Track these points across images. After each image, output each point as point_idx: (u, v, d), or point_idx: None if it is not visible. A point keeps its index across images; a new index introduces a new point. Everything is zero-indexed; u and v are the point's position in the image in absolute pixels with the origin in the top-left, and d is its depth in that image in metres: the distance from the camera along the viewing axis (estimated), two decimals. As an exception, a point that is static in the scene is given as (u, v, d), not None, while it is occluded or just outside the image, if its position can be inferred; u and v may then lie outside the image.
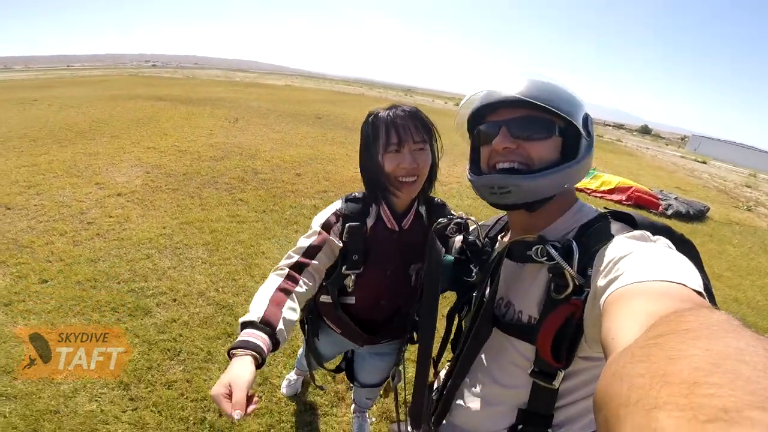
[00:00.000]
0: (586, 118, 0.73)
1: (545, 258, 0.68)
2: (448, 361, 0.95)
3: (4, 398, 1.86)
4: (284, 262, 1.05)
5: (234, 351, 0.80)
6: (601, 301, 0.53)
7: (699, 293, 0.46)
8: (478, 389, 0.84)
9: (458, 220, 0.97)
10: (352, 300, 1.21)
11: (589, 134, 0.74)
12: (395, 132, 1.03)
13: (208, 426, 1.81)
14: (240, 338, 0.83)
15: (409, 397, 1.05)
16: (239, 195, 4.51)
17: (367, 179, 1.14)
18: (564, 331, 0.66)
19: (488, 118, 0.77)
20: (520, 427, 0.76)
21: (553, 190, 0.72)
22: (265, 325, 0.86)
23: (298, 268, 1.03)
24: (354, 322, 1.24)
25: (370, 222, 1.15)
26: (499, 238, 0.91)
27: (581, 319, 0.64)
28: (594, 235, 0.67)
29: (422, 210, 1.20)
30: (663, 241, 0.62)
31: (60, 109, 9.78)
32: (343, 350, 1.54)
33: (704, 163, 22.70)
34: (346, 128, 9.36)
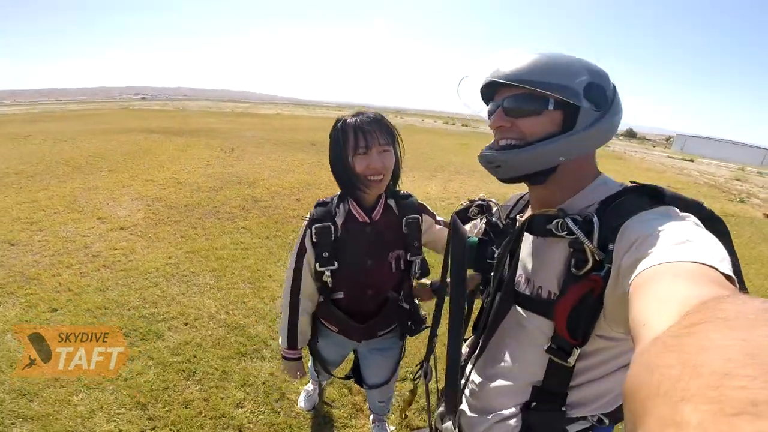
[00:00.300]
0: (590, 87, 0.70)
1: (565, 232, 0.67)
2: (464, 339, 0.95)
3: (21, 419, 1.90)
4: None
5: None
6: (628, 282, 0.51)
7: (729, 278, 0.44)
8: (493, 367, 0.86)
9: (480, 201, 0.98)
10: (340, 295, 1.32)
11: (596, 104, 0.70)
12: (363, 136, 1.13)
13: None
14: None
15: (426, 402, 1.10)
16: (241, 223, 4.61)
17: (338, 180, 1.24)
18: (581, 307, 0.65)
19: (494, 98, 0.79)
20: (533, 404, 0.76)
21: (545, 162, 0.73)
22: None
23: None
24: (347, 316, 1.33)
25: (339, 220, 1.25)
26: (518, 217, 0.90)
27: (601, 296, 0.63)
28: (617, 209, 0.65)
29: (391, 203, 1.30)
30: (692, 219, 0.59)
31: (54, 143, 9.87)
32: (344, 352, 1.60)
33: (692, 161, 23.19)
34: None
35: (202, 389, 2.14)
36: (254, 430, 1.92)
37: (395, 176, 1.26)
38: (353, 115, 1.18)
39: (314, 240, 1.24)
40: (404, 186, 1.36)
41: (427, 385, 1.13)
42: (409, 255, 1.30)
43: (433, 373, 1.12)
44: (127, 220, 4.50)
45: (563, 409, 0.73)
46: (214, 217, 4.73)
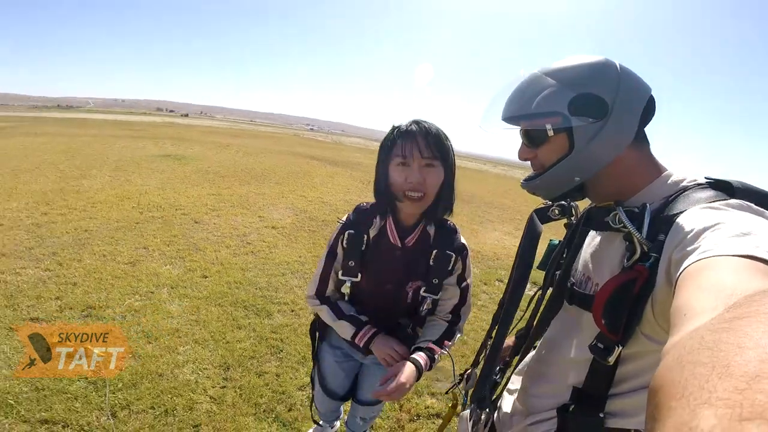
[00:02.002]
0: (576, 101, 0.67)
1: (621, 225, 0.65)
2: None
3: (131, 356, 2.31)
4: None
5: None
6: (677, 274, 0.48)
7: None
8: (540, 366, 0.84)
9: (563, 202, 0.89)
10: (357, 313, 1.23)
11: (592, 114, 0.67)
12: (404, 144, 1.03)
13: (274, 416, 2.03)
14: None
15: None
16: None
17: (376, 188, 1.13)
18: (620, 298, 0.60)
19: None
20: (571, 407, 0.73)
21: (564, 184, 0.74)
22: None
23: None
24: None
25: (372, 233, 1.15)
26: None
27: (644, 289, 0.59)
28: (677, 202, 0.63)
29: (430, 230, 1.16)
30: (754, 210, 0.55)
31: (244, 155, 12.41)
32: (348, 368, 1.42)
33: None
34: (461, 200, 9.60)
35: (280, 366, 2.42)
36: (303, 412, 2.08)
37: (446, 201, 1.12)
38: (407, 123, 1.08)
39: (344, 246, 1.16)
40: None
41: (466, 391, 1.07)
42: (424, 289, 1.16)
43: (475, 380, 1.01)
44: (278, 222, 5.41)
45: (601, 415, 0.69)
46: (343, 235, 5.36)
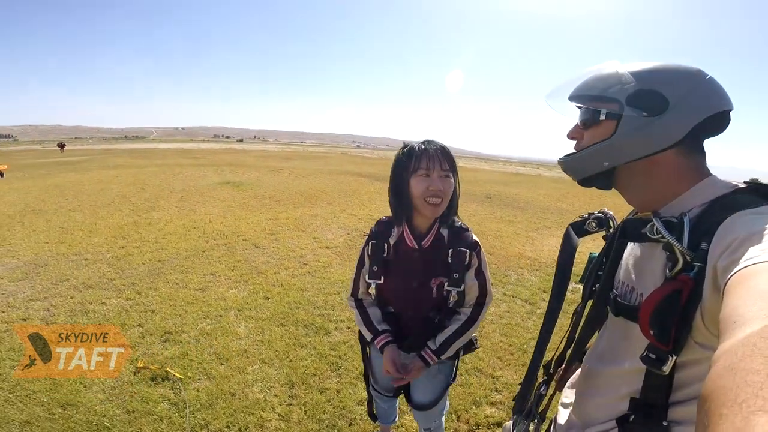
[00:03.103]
0: (637, 95, 0.69)
1: (660, 235, 0.65)
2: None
3: (206, 377, 2.48)
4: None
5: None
6: (725, 281, 0.48)
7: None
8: (593, 378, 0.83)
9: (599, 215, 0.92)
10: (392, 309, 1.42)
11: (647, 109, 0.69)
12: (427, 159, 1.20)
13: (336, 430, 2.10)
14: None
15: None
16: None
17: (394, 200, 1.30)
18: (666, 308, 0.60)
19: None
20: (632, 417, 0.71)
21: (592, 167, 0.77)
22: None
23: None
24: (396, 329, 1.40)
25: (392, 240, 1.34)
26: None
27: (691, 298, 0.58)
28: (718, 209, 0.62)
29: (444, 232, 1.32)
30: None
31: (296, 178, 13.00)
32: None
33: None
34: (516, 207, 9.37)
35: (340, 382, 2.50)
36: (362, 426, 2.14)
37: (453, 206, 1.31)
38: (420, 142, 1.26)
39: (369, 254, 1.37)
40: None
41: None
42: (447, 284, 1.31)
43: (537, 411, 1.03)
44: (332, 241, 5.59)
45: (665, 424, 0.67)
46: (394, 251, 5.40)
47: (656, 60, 0.74)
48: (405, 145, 1.28)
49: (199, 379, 2.48)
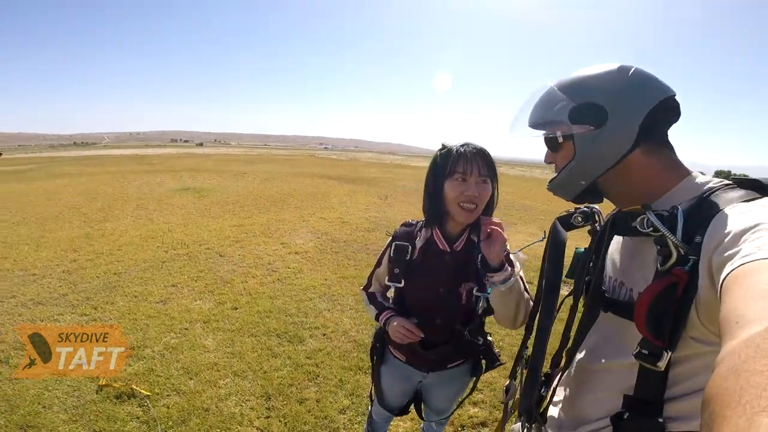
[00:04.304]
0: (576, 110, 0.71)
1: (650, 228, 0.64)
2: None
3: (176, 393, 2.37)
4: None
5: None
6: (721, 278, 0.47)
7: None
8: (583, 376, 0.82)
9: (585, 209, 0.91)
10: (414, 321, 1.28)
11: (591, 121, 0.71)
12: (464, 163, 1.15)
13: None
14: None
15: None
16: (386, 261, 5.12)
17: (428, 202, 1.25)
18: (662, 303, 0.59)
19: None
20: (626, 415, 0.69)
21: (573, 188, 0.79)
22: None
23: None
24: (417, 343, 1.28)
25: (419, 243, 1.28)
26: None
27: (686, 292, 0.58)
28: (708, 202, 0.61)
29: (474, 237, 1.26)
30: None
31: (261, 182, 12.65)
32: (407, 387, 1.48)
33: None
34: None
35: (319, 391, 2.44)
36: None
37: (489, 211, 1.25)
38: (460, 145, 1.19)
39: (391, 255, 1.31)
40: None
41: (507, 404, 1.08)
42: (476, 289, 1.25)
43: (516, 392, 1.05)
44: (301, 247, 5.45)
45: (660, 420, 0.66)
46: (365, 252, 5.33)
47: (582, 67, 0.78)
48: (443, 147, 1.21)
49: (168, 395, 2.35)
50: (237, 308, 3.53)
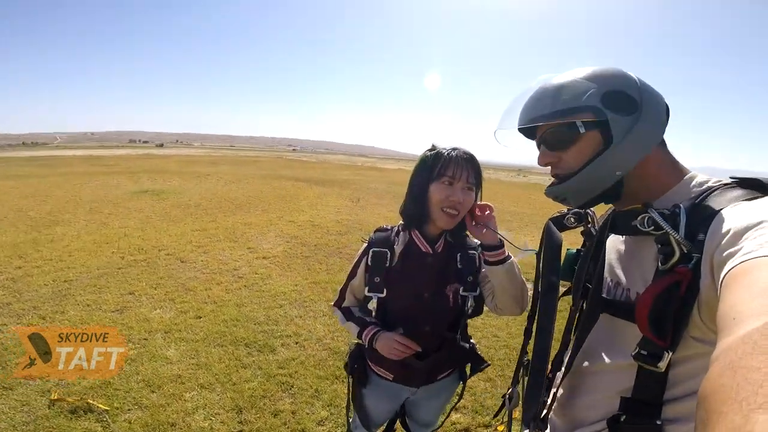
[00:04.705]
0: (607, 97, 0.68)
1: (651, 227, 0.63)
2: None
3: (137, 407, 2.22)
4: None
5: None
6: (721, 275, 0.47)
7: None
8: (580, 378, 0.80)
9: (577, 210, 0.89)
10: (401, 331, 1.22)
11: (622, 109, 0.68)
12: (454, 167, 1.12)
13: None
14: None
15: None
16: (358, 265, 5.02)
17: (411, 203, 1.20)
18: (665, 302, 0.58)
19: (536, 136, 0.80)
20: (623, 417, 0.67)
21: (605, 180, 0.72)
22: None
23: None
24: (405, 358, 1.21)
25: (398, 249, 1.22)
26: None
27: (690, 291, 0.57)
28: (710, 201, 0.61)
29: (450, 239, 1.25)
30: None
31: (225, 183, 12.21)
32: (393, 406, 1.42)
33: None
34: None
35: (294, 402, 2.33)
36: None
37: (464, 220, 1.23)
38: (450, 148, 1.17)
39: (369, 264, 1.23)
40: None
41: (510, 412, 1.04)
42: (462, 289, 1.22)
43: (519, 399, 1.01)
44: (269, 251, 5.26)
45: (658, 423, 0.64)
46: (337, 256, 5.22)
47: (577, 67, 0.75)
48: (433, 147, 1.19)
49: (129, 410, 2.20)
50: (201, 317, 3.34)
